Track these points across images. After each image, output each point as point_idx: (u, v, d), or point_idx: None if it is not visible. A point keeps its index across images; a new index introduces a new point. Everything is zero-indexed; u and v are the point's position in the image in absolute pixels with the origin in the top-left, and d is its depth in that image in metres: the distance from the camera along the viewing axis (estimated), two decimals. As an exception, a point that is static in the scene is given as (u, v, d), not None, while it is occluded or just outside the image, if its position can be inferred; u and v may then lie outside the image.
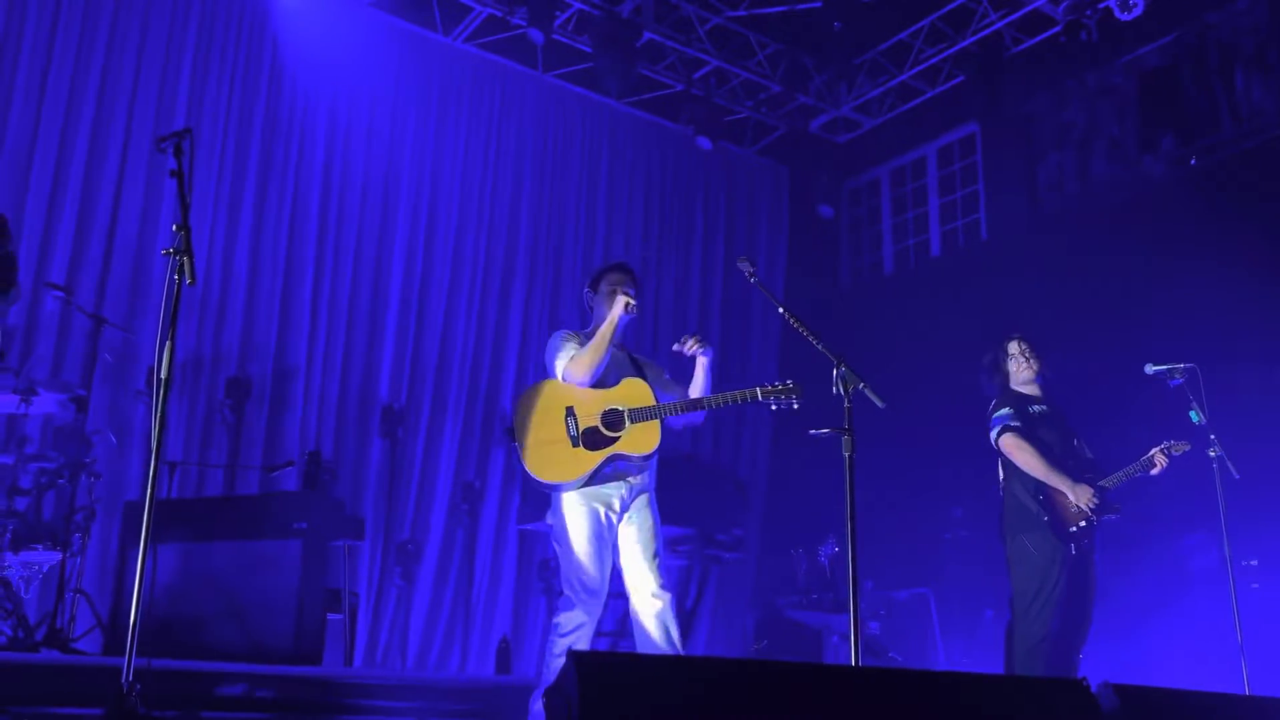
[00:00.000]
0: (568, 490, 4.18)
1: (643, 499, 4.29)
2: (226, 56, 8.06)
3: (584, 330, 4.48)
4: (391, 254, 8.64)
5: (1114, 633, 6.68)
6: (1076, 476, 5.05)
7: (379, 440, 8.19)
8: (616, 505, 4.22)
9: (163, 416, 3.12)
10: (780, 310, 3.93)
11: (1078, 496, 4.97)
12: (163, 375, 3.14)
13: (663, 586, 4.16)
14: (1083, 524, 4.97)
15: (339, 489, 7.78)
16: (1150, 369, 5.10)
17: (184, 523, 6.00)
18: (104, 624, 5.89)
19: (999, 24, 8.81)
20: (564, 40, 9.04)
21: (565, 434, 4.17)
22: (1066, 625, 4.93)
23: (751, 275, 3.98)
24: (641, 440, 4.20)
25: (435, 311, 8.76)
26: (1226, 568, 4.82)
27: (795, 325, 3.84)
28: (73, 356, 6.93)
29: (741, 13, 9.28)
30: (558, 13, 8.70)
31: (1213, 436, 4.97)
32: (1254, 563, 6.39)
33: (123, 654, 2.97)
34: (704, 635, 9.04)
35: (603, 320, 4.32)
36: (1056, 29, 8.49)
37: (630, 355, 4.53)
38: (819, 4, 8.99)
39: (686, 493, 7.15)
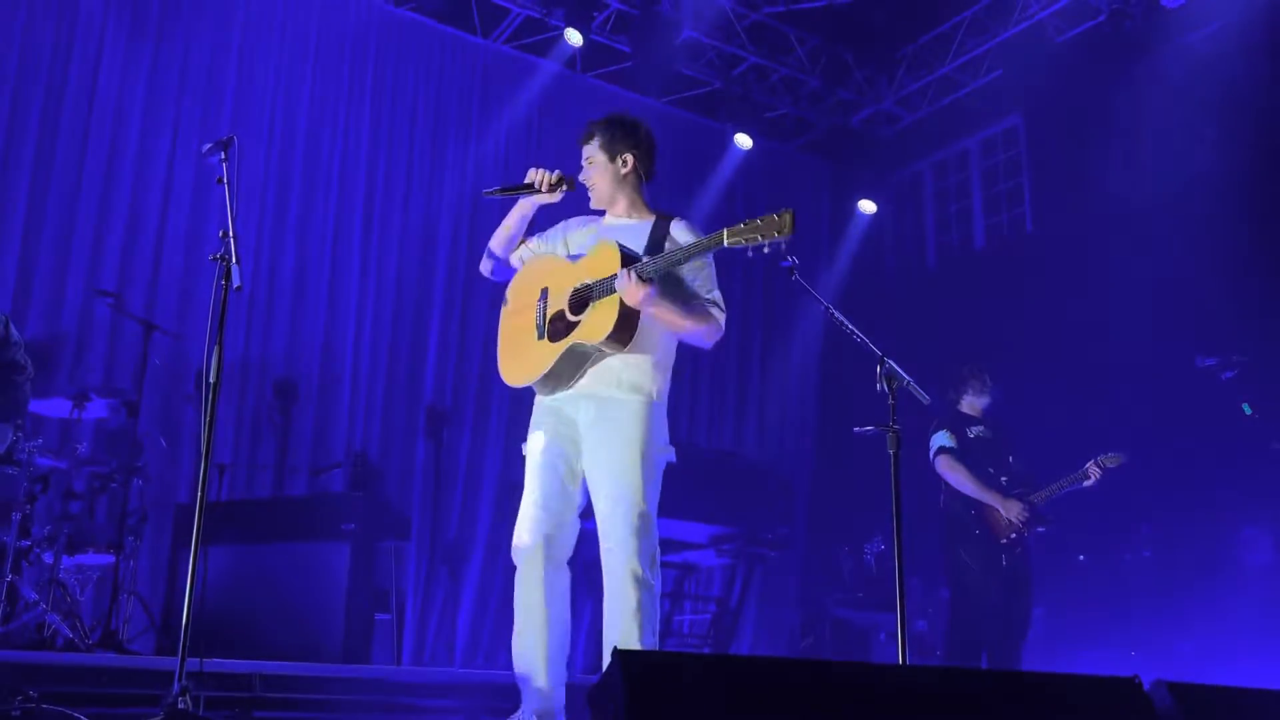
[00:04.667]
0: (537, 395, 3.46)
1: (605, 424, 3.28)
2: (269, 61, 8.16)
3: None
4: (435, 255, 8.69)
5: (1168, 629, 6.58)
6: (1008, 492, 5.47)
7: (424, 441, 8.23)
8: (578, 423, 3.37)
9: (212, 420, 3.16)
10: (824, 306, 3.91)
11: (1008, 510, 5.42)
12: (211, 379, 3.18)
13: (622, 549, 3.23)
14: (1013, 535, 5.42)
15: (385, 490, 7.85)
16: (1202, 361, 5.05)
17: (234, 524, 6.08)
18: (157, 625, 5.98)
19: (1041, 14, 8.70)
20: (602, 40, 9.05)
21: (534, 323, 3.42)
22: (1007, 628, 5.41)
23: (793, 272, 3.90)
24: (597, 323, 3.18)
25: (478, 312, 8.80)
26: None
27: (839, 321, 3.83)
28: (123, 362, 7.03)
29: (780, 8, 9.23)
30: (596, 13, 8.72)
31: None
32: None
33: (175, 655, 3.01)
34: (749, 634, 9.01)
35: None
36: (1101, 18, 8.37)
37: (663, 218, 3.59)
38: (858, -2, 8.94)
39: (730, 491, 7.13)
